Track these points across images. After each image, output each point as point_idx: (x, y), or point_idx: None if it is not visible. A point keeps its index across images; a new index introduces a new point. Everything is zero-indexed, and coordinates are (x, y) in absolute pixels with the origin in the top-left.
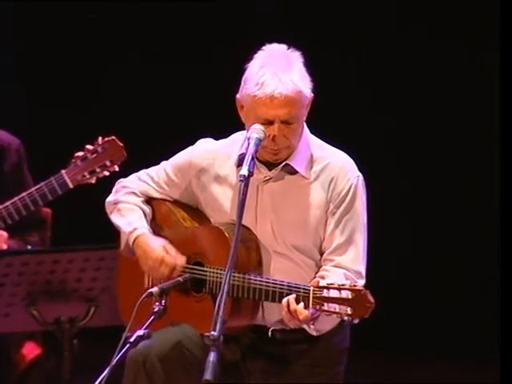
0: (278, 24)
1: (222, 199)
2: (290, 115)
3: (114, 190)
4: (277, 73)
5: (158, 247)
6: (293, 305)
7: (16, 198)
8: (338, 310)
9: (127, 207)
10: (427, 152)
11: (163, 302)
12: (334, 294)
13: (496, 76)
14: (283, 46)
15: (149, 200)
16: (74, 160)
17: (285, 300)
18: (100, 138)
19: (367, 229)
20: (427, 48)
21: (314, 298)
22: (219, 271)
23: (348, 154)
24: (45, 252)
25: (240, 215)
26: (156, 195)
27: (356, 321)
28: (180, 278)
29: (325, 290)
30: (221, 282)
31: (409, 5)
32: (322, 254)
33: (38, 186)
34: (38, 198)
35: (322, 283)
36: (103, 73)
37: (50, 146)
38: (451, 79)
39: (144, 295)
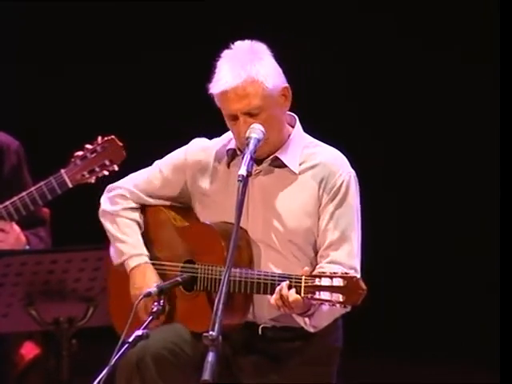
0: (272, 22)
1: (214, 196)
2: (250, 106)
3: (108, 196)
4: (232, 67)
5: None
6: (284, 291)
7: (16, 198)
8: (330, 298)
9: (127, 224)
10: (428, 152)
11: (161, 302)
12: (325, 282)
13: (495, 77)
14: (247, 42)
15: (143, 207)
16: (73, 159)
17: (278, 287)
18: (99, 138)
19: (362, 225)
20: (424, 53)
21: (305, 286)
22: (210, 267)
23: (345, 151)
24: (43, 252)
25: (239, 215)
26: (152, 203)
27: (348, 308)
28: (178, 278)
29: (317, 279)
30: (212, 278)
31: (406, 9)
32: (316, 251)
33: (37, 186)
34: (37, 198)
35: (314, 272)
36: (103, 72)
37: (50, 146)
38: (448, 83)
39: (142, 295)
